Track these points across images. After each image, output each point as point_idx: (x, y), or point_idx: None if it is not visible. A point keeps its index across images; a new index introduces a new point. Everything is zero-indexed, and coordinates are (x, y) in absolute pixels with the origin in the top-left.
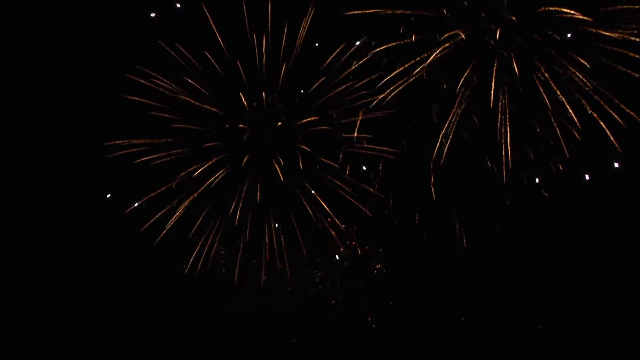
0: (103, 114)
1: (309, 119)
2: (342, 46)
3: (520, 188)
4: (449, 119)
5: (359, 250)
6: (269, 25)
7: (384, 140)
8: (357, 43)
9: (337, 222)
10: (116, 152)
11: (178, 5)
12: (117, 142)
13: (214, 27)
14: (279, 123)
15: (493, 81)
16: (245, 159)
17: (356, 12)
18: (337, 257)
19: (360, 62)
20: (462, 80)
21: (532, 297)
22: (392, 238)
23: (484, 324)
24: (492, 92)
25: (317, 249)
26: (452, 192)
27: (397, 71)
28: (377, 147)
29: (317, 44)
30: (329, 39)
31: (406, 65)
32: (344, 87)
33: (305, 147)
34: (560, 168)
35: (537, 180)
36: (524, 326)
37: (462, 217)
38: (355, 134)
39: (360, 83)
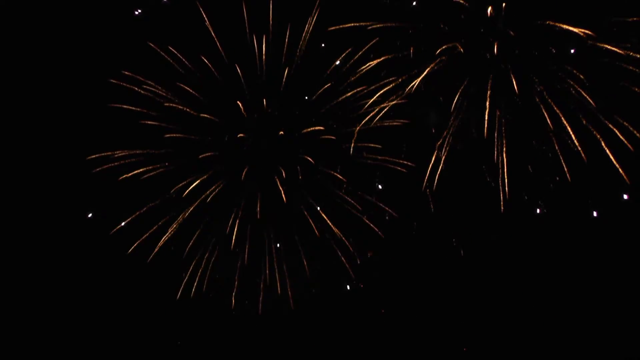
0: (86, 124)
1: (312, 129)
2: (346, 52)
3: (518, 204)
4: (446, 130)
5: (358, 260)
6: (270, 26)
7: (389, 151)
8: (337, 62)
9: (343, 238)
10: (101, 165)
11: None
12: (102, 154)
13: (209, 27)
14: (281, 132)
15: (488, 94)
16: (244, 171)
17: (341, 26)
18: (347, 287)
19: (357, 76)
20: (458, 92)
21: (524, 305)
22: (391, 247)
23: (477, 330)
24: (488, 105)
25: (321, 267)
26: (449, 203)
27: (388, 87)
28: (381, 157)
29: (323, 45)
30: (333, 43)
31: (403, 78)
32: (344, 97)
33: (309, 158)
34: (560, 180)
35: (537, 210)
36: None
37: (459, 227)
38: (352, 145)
39: (361, 94)
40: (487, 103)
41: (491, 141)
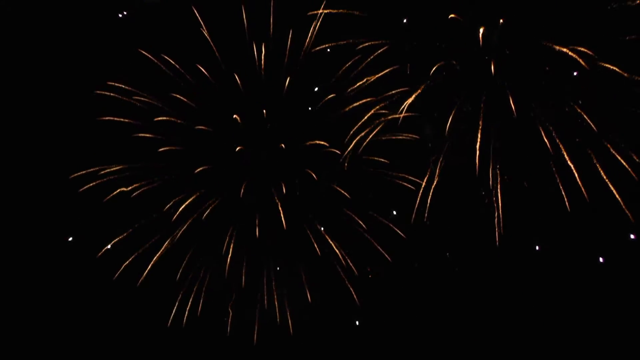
0: (71, 140)
1: (315, 142)
2: (349, 63)
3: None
4: (442, 146)
5: (353, 269)
6: (271, 32)
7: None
8: (315, 89)
9: (349, 260)
10: (88, 183)
11: None
12: (89, 170)
13: (205, 32)
14: (281, 144)
15: (482, 110)
16: (242, 187)
17: (336, 43)
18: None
19: (355, 88)
20: (453, 110)
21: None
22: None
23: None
24: (481, 121)
25: (323, 290)
26: (444, 217)
27: (383, 104)
28: (389, 173)
29: (328, 50)
30: (331, 56)
31: (395, 96)
32: (344, 110)
33: (311, 172)
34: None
35: (537, 247)
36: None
37: (454, 241)
38: (346, 160)
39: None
40: (481, 121)
41: (486, 164)
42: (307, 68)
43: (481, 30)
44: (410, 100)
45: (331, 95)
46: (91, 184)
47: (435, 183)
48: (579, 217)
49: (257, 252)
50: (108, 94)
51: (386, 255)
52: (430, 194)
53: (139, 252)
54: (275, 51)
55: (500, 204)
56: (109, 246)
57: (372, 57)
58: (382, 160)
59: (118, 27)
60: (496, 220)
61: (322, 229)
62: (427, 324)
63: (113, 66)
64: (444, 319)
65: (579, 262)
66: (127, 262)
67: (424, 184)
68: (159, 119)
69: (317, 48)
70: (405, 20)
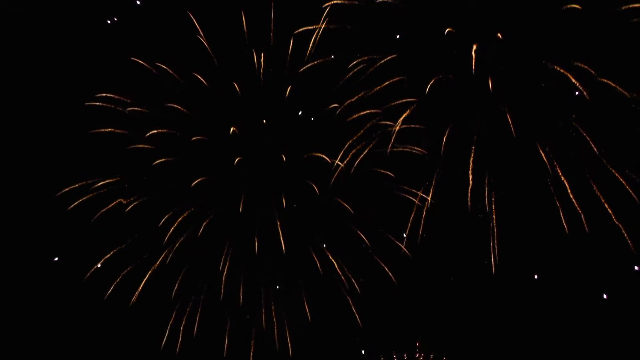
0: (60, 153)
1: (316, 154)
2: (348, 75)
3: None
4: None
5: (357, 287)
6: (271, 40)
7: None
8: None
9: (352, 279)
10: (77, 200)
11: (138, 2)
12: (80, 183)
13: (203, 38)
14: (283, 156)
15: (477, 125)
16: (241, 200)
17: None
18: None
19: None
20: (450, 124)
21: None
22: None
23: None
24: (476, 137)
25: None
26: (442, 231)
27: (368, 125)
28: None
29: (332, 57)
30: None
31: (392, 110)
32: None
33: (313, 185)
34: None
35: (535, 276)
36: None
37: (451, 256)
38: (342, 176)
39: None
40: (473, 148)
41: (481, 181)
42: (307, 78)
43: (474, 47)
44: (406, 114)
45: (333, 105)
46: (81, 199)
47: (430, 197)
48: (579, 242)
49: (255, 269)
50: (100, 104)
51: (392, 277)
52: (425, 208)
53: (130, 270)
54: (276, 60)
55: (495, 230)
56: (98, 265)
57: (370, 70)
58: (384, 172)
59: (108, 34)
60: (492, 248)
61: (324, 245)
62: (428, 342)
63: (105, 75)
64: (445, 338)
65: (581, 297)
66: (118, 280)
67: (419, 196)
68: (154, 131)
69: (316, 61)
70: (403, 35)
